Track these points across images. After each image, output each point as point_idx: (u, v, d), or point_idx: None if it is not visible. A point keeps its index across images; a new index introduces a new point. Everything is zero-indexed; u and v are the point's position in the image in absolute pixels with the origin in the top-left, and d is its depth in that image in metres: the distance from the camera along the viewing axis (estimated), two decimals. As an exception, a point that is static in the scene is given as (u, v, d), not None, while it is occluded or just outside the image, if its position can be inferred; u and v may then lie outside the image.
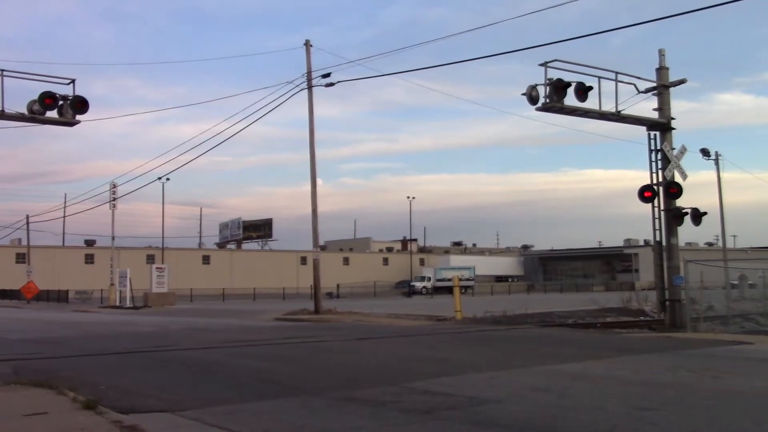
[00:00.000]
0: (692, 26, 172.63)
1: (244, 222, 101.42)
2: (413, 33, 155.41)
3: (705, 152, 48.71)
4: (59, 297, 62.87)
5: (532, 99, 20.61)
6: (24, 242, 76.07)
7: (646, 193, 23.07)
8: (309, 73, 33.19)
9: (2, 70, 18.80)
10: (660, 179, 23.23)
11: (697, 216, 23.07)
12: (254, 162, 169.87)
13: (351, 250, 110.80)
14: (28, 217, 73.83)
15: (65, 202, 78.41)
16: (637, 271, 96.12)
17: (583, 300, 40.01)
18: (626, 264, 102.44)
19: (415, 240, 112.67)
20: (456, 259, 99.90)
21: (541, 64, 20.49)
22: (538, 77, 20.65)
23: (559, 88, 20.49)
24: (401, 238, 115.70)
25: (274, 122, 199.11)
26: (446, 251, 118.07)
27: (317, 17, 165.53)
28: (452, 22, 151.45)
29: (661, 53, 23.42)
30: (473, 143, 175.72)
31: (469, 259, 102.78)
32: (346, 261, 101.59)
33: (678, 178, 23.22)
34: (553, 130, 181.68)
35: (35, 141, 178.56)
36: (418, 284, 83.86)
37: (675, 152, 23.25)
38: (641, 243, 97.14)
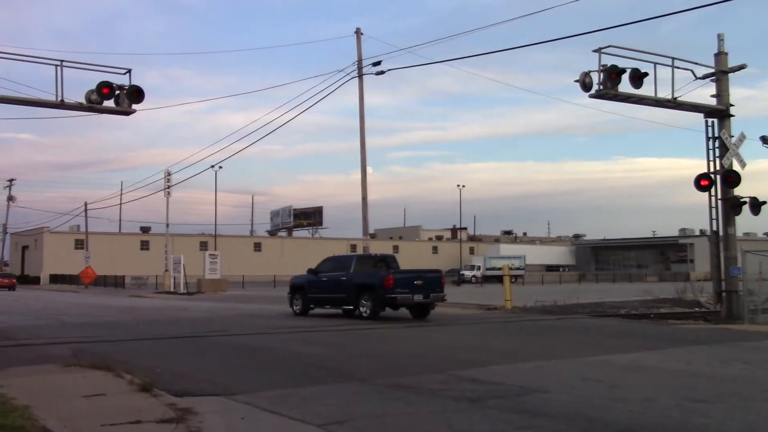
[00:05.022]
0: (749, 10, 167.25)
1: (294, 210, 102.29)
2: (462, 20, 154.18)
3: (765, 140, 47.19)
4: (116, 282, 64.54)
5: (586, 86, 20.29)
6: (82, 229, 78.09)
7: (703, 182, 22.55)
8: (360, 61, 33.22)
9: (61, 61, 19.26)
10: (717, 167, 22.66)
11: (756, 205, 22.47)
12: (305, 150, 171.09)
13: (401, 238, 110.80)
14: (86, 204, 75.78)
15: (121, 189, 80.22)
16: (692, 261, 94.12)
17: (637, 290, 39.42)
18: (681, 254, 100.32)
19: (465, 228, 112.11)
20: (506, 248, 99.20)
21: (595, 50, 20.15)
22: (588, 64, 20.35)
23: (613, 74, 20.12)
24: (451, 227, 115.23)
25: (325, 111, 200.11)
26: (496, 240, 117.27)
27: (366, 6, 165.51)
28: (501, 9, 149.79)
29: (720, 38, 22.79)
30: (523, 131, 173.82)
31: (519, 248, 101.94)
32: (395, 249, 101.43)
33: (736, 167, 22.63)
34: (604, 118, 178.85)
35: (93, 130, 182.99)
36: (468, 273, 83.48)
37: (733, 140, 22.65)
38: (697, 233, 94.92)
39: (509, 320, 21.93)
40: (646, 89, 20.97)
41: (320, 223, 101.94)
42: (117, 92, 19.38)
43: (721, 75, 22.74)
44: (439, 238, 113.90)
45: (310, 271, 25.18)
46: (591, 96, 20.61)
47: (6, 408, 7.18)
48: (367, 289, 22.34)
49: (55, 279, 75.94)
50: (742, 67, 22.96)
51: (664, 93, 21.60)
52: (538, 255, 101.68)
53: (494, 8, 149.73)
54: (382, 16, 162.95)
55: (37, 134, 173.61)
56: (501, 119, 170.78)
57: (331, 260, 25.34)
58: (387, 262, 24.47)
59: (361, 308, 22.35)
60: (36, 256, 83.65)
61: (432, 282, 22.71)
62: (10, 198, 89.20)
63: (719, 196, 22.72)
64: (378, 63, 31.98)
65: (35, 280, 78.53)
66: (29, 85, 20.07)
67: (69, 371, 10.28)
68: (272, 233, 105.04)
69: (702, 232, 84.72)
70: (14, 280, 64.56)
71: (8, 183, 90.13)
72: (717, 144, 22.78)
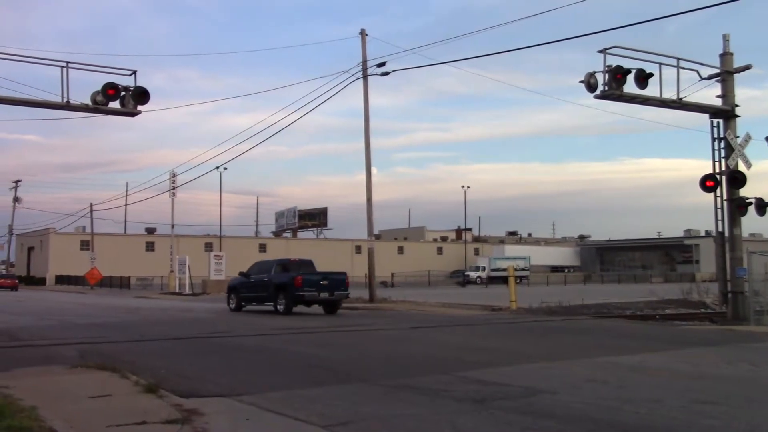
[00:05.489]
0: (754, 11, 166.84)
1: (299, 211, 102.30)
2: (466, 21, 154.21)
3: (771, 140, 47.03)
4: (121, 283, 64.72)
5: (591, 86, 20.28)
6: (88, 230, 78.26)
7: (708, 183, 22.52)
8: (364, 62, 33.25)
9: (67, 62, 19.33)
10: (723, 168, 22.63)
11: (762, 206, 22.43)
12: (309, 151, 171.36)
13: (405, 239, 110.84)
14: (92, 205, 75.94)
15: (127, 190, 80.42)
16: (697, 262, 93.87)
17: (642, 291, 39.32)
18: (686, 255, 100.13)
19: (470, 229, 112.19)
20: (511, 249, 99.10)
21: (600, 51, 20.15)
22: (592, 65, 20.39)
23: (618, 75, 20.11)
24: (455, 228, 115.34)
25: (329, 112, 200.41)
26: (501, 241, 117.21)
27: (370, 7, 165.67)
28: (505, 9, 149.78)
29: (726, 38, 22.76)
30: (527, 132, 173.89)
31: (524, 248, 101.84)
32: (400, 250, 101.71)
33: (742, 167, 22.59)
34: (608, 119, 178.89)
35: (98, 131, 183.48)
36: (473, 274, 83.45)
37: (739, 140, 22.61)
38: (702, 234, 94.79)
39: (514, 321, 21.90)
40: (651, 90, 21.00)
41: (325, 224, 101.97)
42: (122, 93, 19.45)
43: (726, 75, 22.70)
44: (443, 239, 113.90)
45: (241, 273, 28.91)
46: (596, 97, 20.61)
47: (13, 409, 7.20)
48: (282, 288, 25.64)
49: (61, 280, 76.13)
50: (747, 67, 22.92)
51: (670, 93, 21.58)
52: (542, 256, 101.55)
53: (498, 9, 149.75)
54: (386, 17, 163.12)
55: (43, 135, 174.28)
56: (506, 120, 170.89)
57: (258, 265, 29.34)
58: (303, 265, 27.72)
59: (278, 305, 25.68)
60: (42, 257, 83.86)
61: (337, 282, 26.03)
62: (16, 199, 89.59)
63: (725, 197, 22.69)
64: (383, 64, 32.05)
65: (41, 281, 78.75)
66: (35, 87, 20.14)
67: (75, 372, 10.31)
68: (277, 234, 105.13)
69: (707, 233, 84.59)
70: (17, 281, 66.48)
71: (14, 184, 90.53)
72: (722, 144, 22.76)
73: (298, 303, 25.57)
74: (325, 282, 25.73)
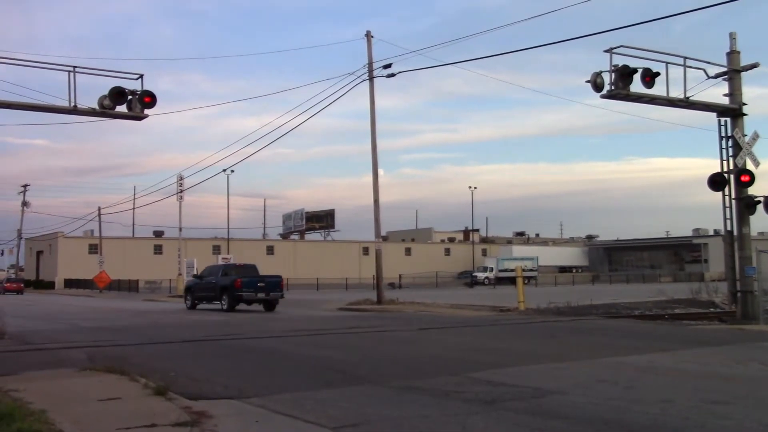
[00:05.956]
0: (761, 9, 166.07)
1: (306, 213, 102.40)
2: (472, 22, 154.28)
3: (779, 138, 46.78)
4: (130, 286, 64.84)
5: (597, 86, 20.22)
6: (96, 233, 78.46)
7: (717, 181, 22.41)
8: (370, 64, 33.24)
9: (74, 67, 19.36)
10: (731, 167, 22.53)
11: (771, 205, 22.30)
12: (316, 153, 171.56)
13: (413, 240, 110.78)
14: (99, 209, 76.15)
15: (134, 194, 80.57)
16: (706, 261, 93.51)
17: (650, 291, 39.23)
18: (695, 254, 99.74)
19: (477, 230, 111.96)
20: (519, 250, 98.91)
21: (606, 51, 20.08)
22: (600, 65, 20.30)
23: (625, 74, 20.04)
24: (463, 229, 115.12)
25: (335, 114, 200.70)
26: (509, 241, 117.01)
27: (376, 8, 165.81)
28: (511, 10, 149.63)
29: (732, 37, 22.66)
30: (534, 132, 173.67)
31: (532, 249, 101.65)
32: (407, 251, 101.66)
33: (750, 166, 22.48)
34: (615, 118, 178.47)
35: (105, 135, 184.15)
36: (481, 275, 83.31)
37: (747, 139, 22.51)
38: (711, 233, 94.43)
39: (523, 322, 21.85)
40: (658, 89, 20.91)
41: (332, 226, 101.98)
42: (129, 97, 19.48)
43: (733, 74, 22.60)
44: (451, 239, 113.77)
45: (194, 276, 33.29)
46: (603, 96, 20.54)
47: (23, 412, 7.22)
48: (226, 289, 29.46)
49: (70, 283, 76.40)
50: (754, 65, 22.82)
51: (677, 92, 21.51)
52: (550, 256, 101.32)
53: (504, 10, 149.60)
54: (391, 19, 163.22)
55: (51, 140, 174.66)
56: (512, 120, 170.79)
57: (209, 268, 33.52)
58: (247, 269, 31.48)
59: (222, 303, 29.41)
60: (51, 260, 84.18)
61: (272, 284, 29.84)
62: (25, 203, 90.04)
63: (733, 196, 22.59)
64: (389, 65, 32.02)
65: (50, 285, 79.05)
66: (43, 92, 20.21)
67: (84, 375, 10.33)
68: (285, 236, 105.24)
69: (716, 232, 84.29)
70: (22, 285, 68.37)
71: (22, 188, 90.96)
72: (730, 143, 22.66)
73: (238, 302, 29.13)
74: (262, 284, 29.44)
